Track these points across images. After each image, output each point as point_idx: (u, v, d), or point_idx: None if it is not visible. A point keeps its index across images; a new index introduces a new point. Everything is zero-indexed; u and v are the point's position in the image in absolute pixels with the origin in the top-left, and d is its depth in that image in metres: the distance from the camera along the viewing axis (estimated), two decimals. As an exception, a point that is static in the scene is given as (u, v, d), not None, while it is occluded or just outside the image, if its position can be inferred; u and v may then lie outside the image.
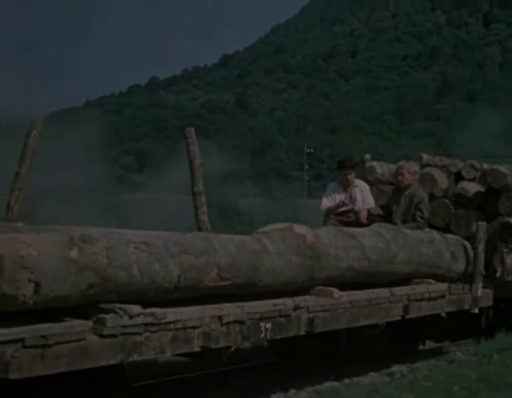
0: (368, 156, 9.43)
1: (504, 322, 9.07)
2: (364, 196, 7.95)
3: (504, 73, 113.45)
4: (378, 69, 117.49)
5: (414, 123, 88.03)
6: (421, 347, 8.45)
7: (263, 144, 79.57)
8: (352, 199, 7.90)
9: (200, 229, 7.14)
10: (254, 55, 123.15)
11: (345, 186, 8.02)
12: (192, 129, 7.08)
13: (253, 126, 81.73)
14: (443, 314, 7.77)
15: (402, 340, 7.75)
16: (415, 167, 8.32)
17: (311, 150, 62.86)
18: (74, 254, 4.11)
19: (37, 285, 3.92)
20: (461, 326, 8.75)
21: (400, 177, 7.83)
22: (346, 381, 6.47)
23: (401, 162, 8.40)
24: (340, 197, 7.91)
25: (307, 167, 60.44)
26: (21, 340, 3.82)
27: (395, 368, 6.98)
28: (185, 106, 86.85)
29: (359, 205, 7.86)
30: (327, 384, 6.33)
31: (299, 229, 5.74)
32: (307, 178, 63.15)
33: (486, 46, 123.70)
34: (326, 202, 7.99)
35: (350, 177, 7.97)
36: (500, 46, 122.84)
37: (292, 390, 6.07)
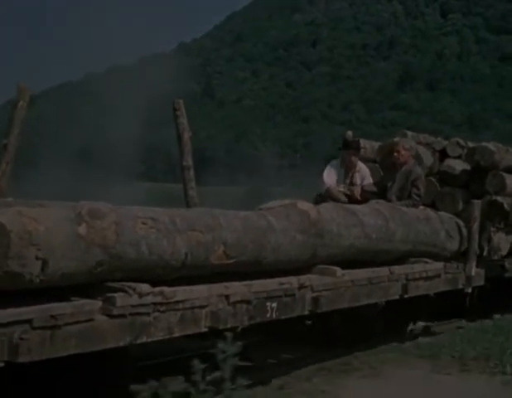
0: (350, 133, 9.27)
1: (489, 301, 9.07)
2: (363, 183, 7.81)
3: (462, 62, 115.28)
4: (339, 58, 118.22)
5: (381, 113, 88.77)
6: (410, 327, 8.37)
7: (238, 134, 79.45)
8: (352, 184, 7.76)
9: (188, 204, 6.91)
10: (214, 43, 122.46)
11: (348, 167, 7.83)
12: (181, 101, 6.82)
13: (224, 115, 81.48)
14: (432, 294, 7.71)
15: (394, 321, 7.65)
16: (410, 143, 8.19)
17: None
18: (82, 229, 3.86)
19: (45, 263, 3.66)
20: (445, 305, 8.72)
21: (396, 154, 7.69)
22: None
23: (396, 139, 8.28)
24: (340, 177, 7.73)
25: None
26: (30, 321, 3.57)
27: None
28: (152, 94, 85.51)
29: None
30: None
31: (303, 205, 5.56)
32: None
33: (444, 35, 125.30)
34: (328, 180, 7.79)
35: (353, 158, 7.79)
36: (458, 35, 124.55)
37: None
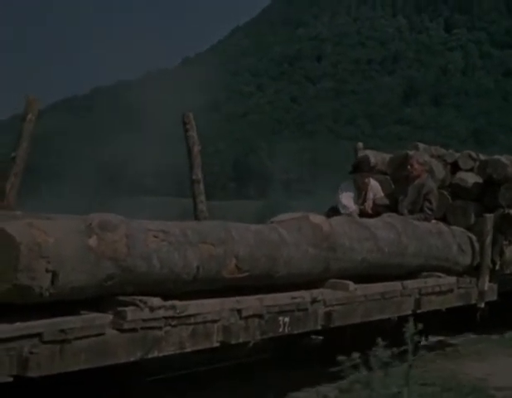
0: (360, 144, 9.14)
1: (500, 316, 8.92)
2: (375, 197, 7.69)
3: (467, 77, 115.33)
4: (344, 73, 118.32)
5: (386, 127, 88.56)
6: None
7: (245, 149, 79.34)
8: (365, 202, 7.64)
9: (197, 218, 6.82)
10: (219, 58, 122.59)
11: (360, 189, 7.69)
12: (190, 114, 6.75)
13: (231, 130, 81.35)
14: (443, 309, 7.58)
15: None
16: (425, 157, 8.08)
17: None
18: (92, 242, 3.78)
19: (55, 275, 3.58)
20: (456, 320, 8.57)
21: (409, 168, 7.59)
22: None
23: (410, 152, 8.18)
24: (354, 202, 7.60)
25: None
26: (39, 335, 3.48)
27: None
28: (159, 109, 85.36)
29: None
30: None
31: (315, 219, 5.47)
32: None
33: (448, 50, 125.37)
34: (349, 204, 7.59)
35: (366, 180, 7.65)
36: (462, 50, 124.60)
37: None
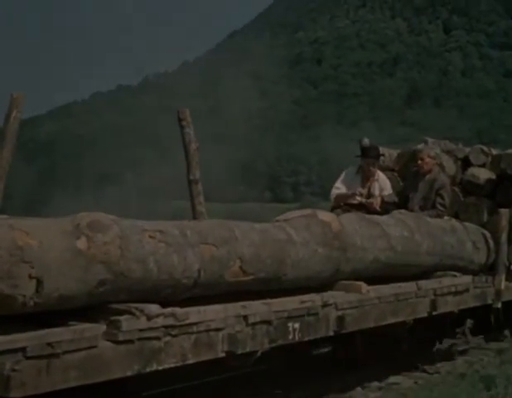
0: (367, 141, 8.81)
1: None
2: (382, 193, 7.34)
3: (466, 79, 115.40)
4: (344, 75, 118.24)
5: (390, 130, 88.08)
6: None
7: (253, 153, 79.32)
8: (370, 194, 7.27)
9: None
10: (218, 62, 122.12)
11: (366, 176, 7.38)
12: (187, 110, 6.33)
13: (236, 134, 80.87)
14: (456, 310, 7.22)
15: (420, 339, 7.16)
16: (436, 150, 7.72)
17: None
18: (81, 244, 3.41)
19: (39, 283, 3.22)
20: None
21: (420, 162, 7.23)
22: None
23: (420, 146, 7.82)
24: (357, 189, 7.25)
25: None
26: (23, 349, 3.11)
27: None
28: (159, 114, 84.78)
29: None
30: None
31: (323, 216, 5.10)
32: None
33: (448, 52, 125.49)
34: (341, 189, 7.31)
35: (372, 167, 7.33)
36: (461, 52, 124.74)
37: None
